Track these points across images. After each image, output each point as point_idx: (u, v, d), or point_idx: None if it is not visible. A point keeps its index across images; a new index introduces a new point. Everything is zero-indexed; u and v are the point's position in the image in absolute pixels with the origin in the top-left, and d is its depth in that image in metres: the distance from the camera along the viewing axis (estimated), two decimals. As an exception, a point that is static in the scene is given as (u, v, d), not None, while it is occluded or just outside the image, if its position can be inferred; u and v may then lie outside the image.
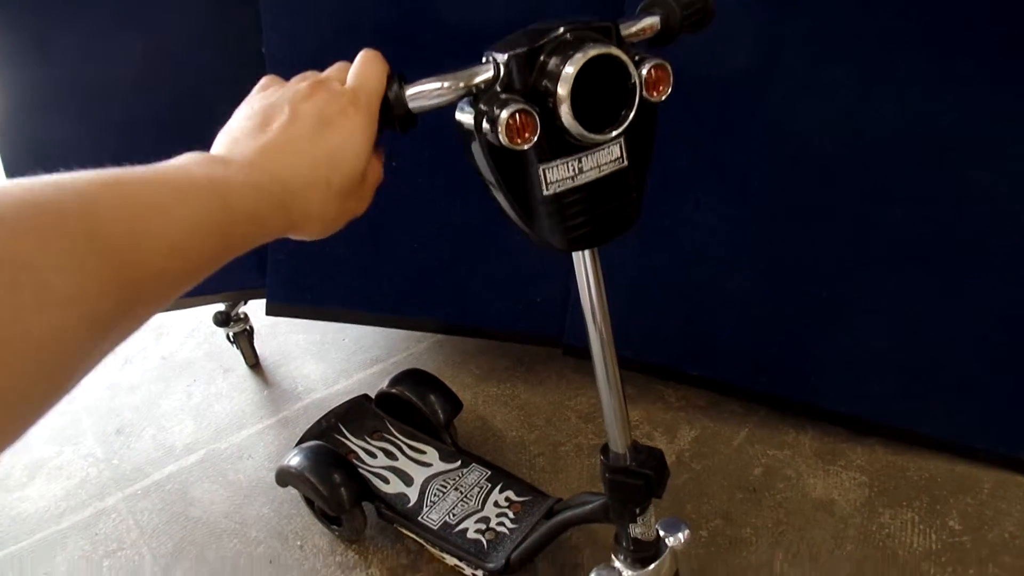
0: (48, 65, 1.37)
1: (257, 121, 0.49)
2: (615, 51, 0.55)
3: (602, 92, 0.58)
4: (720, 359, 1.55)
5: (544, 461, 1.53)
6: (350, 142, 0.50)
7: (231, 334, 1.78)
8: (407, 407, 1.47)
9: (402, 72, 0.57)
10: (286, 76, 0.55)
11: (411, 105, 0.55)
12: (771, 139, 1.34)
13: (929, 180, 1.28)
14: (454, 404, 1.46)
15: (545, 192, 0.60)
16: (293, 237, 0.50)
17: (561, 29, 0.57)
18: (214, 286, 1.64)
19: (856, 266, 1.38)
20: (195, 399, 1.77)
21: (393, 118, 0.55)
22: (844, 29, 1.23)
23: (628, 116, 0.58)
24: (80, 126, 1.40)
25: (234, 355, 1.86)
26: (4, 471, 1.62)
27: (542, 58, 0.56)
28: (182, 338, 1.98)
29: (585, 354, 1.61)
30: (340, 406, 1.53)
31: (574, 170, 0.61)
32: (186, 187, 0.39)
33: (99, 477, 1.58)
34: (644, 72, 0.58)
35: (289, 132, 0.48)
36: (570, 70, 0.54)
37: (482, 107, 0.56)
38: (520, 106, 0.54)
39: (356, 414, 1.51)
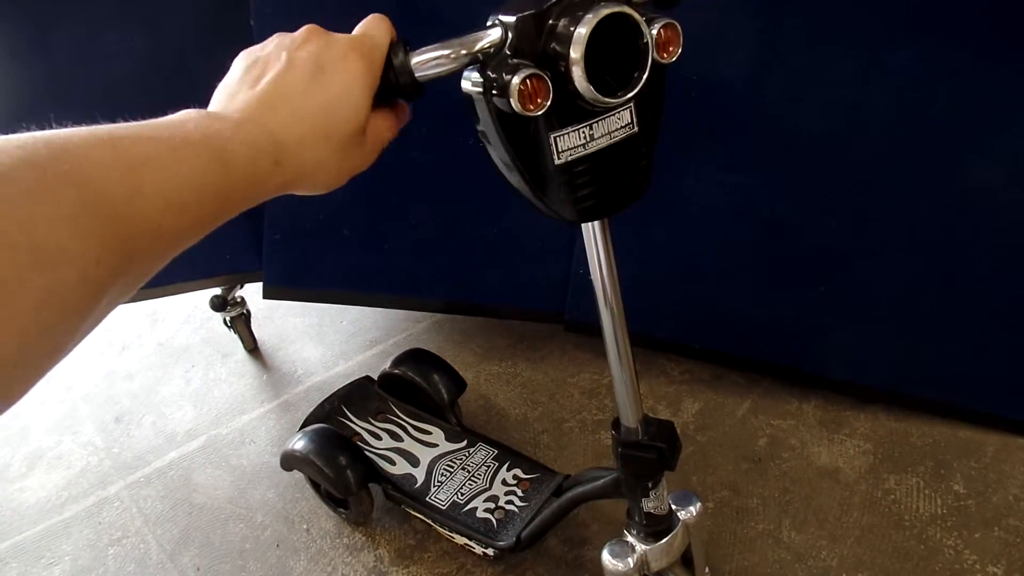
0: (48, 63, 1.34)
1: (253, 73, 0.48)
2: (627, 10, 0.53)
3: (611, 55, 0.56)
4: (722, 331, 1.54)
5: (548, 438, 1.53)
6: (348, 91, 0.48)
7: (228, 318, 1.76)
8: (410, 387, 1.46)
9: (406, 39, 0.55)
10: None
11: (416, 73, 0.53)
12: (774, 110, 1.32)
13: (941, 149, 1.26)
14: (458, 383, 1.45)
15: (557, 161, 0.59)
16: (296, 193, 0.49)
17: None
18: (210, 270, 1.62)
19: (857, 234, 1.37)
20: (194, 385, 1.76)
21: (399, 87, 0.53)
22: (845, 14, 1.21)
23: (641, 78, 0.56)
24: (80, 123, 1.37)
25: (232, 340, 1.84)
26: (3, 462, 1.60)
27: (551, 20, 0.54)
28: (178, 324, 1.96)
29: (587, 330, 1.61)
30: (343, 388, 1.51)
31: (585, 137, 0.59)
32: (179, 143, 0.38)
33: (100, 466, 1.56)
34: (654, 32, 0.56)
35: (283, 82, 0.46)
36: (582, 31, 0.52)
37: (491, 73, 0.54)
38: (532, 71, 0.52)
39: (359, 396, 1.49)
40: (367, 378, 1.54)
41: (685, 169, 1.38)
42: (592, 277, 0.76)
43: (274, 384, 1.74)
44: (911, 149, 1.28)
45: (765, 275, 1.46)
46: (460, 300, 1.63)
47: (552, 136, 0.58)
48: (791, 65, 1.28)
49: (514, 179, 0.62)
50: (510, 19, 0.54)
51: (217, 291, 1.69)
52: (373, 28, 0.52)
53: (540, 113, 0.54)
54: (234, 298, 1.72)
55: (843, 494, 1.35)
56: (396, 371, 1.47)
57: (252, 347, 1.83)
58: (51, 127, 0.33)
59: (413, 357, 1.49)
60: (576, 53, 0.53)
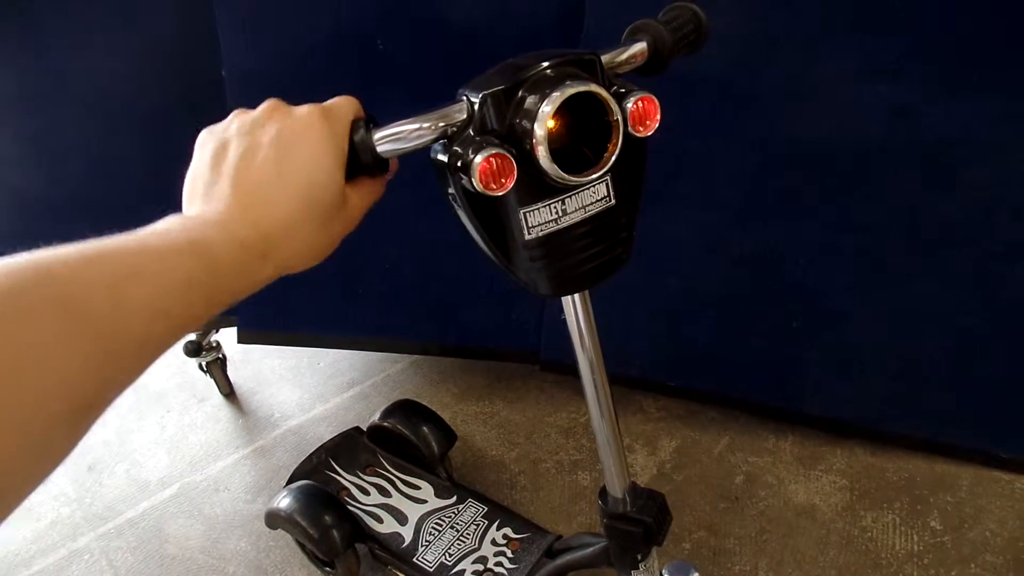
0: (41, 65, 1.33)
1: (221, 163, 0.47)
2: (594, 88, 0.52)
3: (590, 128, 0.55)
4: (697, 368, 1.55)
5: (525, 480, 1.51)
6: (319, 161, 0.47)
7: (204, 363, 1.75)
8: (400, 440, 1.42)
9: (372, 115, 0.54)
10: (251, 97, 0.53)
11: (380, 149, 0.52)
12: (743, 145, 1.34)
13: (906, 183, 1.28)
14: (448, 436, 1.40)
15: (527, 236, 0.57)
16: (291, 274, 0.49)
17: (541, 65, 0.54)
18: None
19: (828, 269, 1.39)
20: (169, 431, 1.74)
21: (361, 164, 0.52)
22: (828, 28, 1.22)
23: (611, 156, 0.55)
24: (74, 123, 1.38)
25: (208, 384, 1.83)
26: (-28, 516, 1.57)
27: (519, 96, 0.53)
28: (153, 369, 1.94)
29: (563, 369, 1.60)
30: (331, 440, 1.47)
31: (557, 212, 0.57)
32: (165, 251, 0.38)
33: (71, 517, 1.54)
34: (629, 106, 0.55)
35: (254, 170, 0.46)
36: (547, 109, 0.51)
37: (456, 150, 0.53)
38: (495, 150, 0.51)
39: (348, 448, 1.46)
40: (356, 429, 1.51)
41: (652, 208, 1.39)
42: (573, 346, 0.73)
43: (250, 429, 1.72)
44: (880, 183, 1.29)
45: (737, 312, 1.47)
46: (435, 342, 1.63)
47: (522, 211, 0.56)
48: (758, 103, 1.29)
49: (485, 253, 0.60)
50: (476, 96, 0.53)
51: (192, 336, 1.68)
52: (338, 101, 0.53)
53: (501, 193, 0.52)
54: (209, 343, 1.71)
55: (820, 532, 1.35)
56: (384, 423, 1.43)
57: (228, 391, 1.81)
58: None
59: (402, 409, 1.45)
60: (540, 131, 0.51)
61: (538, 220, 0.57)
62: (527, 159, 0.53)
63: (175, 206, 0.47)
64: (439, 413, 1.46)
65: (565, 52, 0.57)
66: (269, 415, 1.76)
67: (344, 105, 0.53)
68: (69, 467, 1.66)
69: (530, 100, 0.53)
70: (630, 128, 0.56)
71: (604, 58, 0.59)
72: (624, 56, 0.61)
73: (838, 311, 1.42)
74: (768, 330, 1.46)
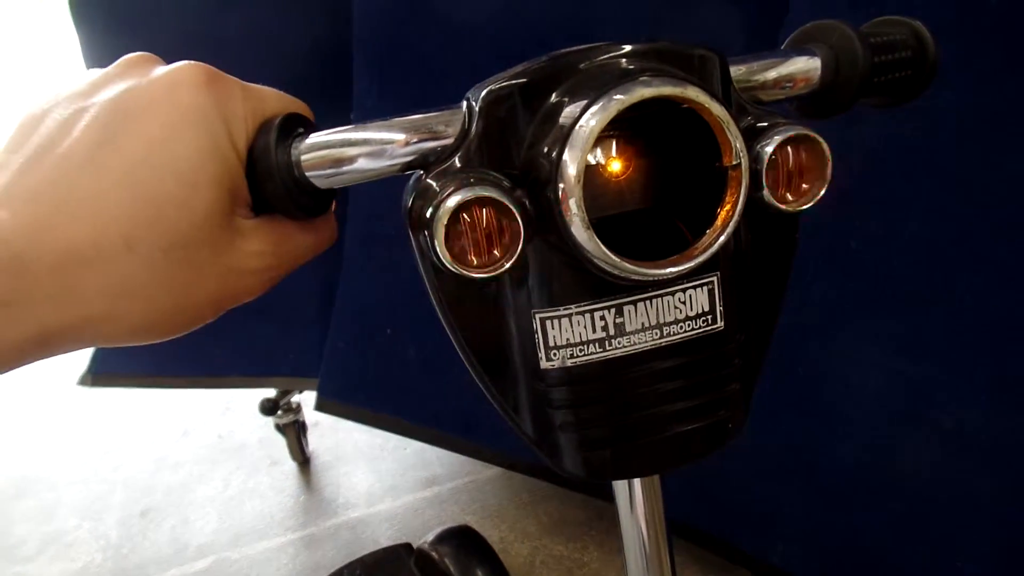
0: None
1: (25, 143, 0.27)
2: (692, 92, 0.27)
3: (697, 186, 0.30)
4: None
5: (600, 668, 1.14)
6: (173, 148, 0.26)
7: (280, 424, 1.60)
8: None
9: (309, 119, 0.31)
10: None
11: (309, 174, 0.29)
12: (986, 262, 0.93)
13: None
14: None
15: (544, 363, 0.31)
16: (96, 345, 0.27)
17: (605, 51, 0.29)
18: (270, 368, 1.48)
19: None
20: (230, 491, 1.59)
21: (268, 189, 0.29)
22: None
23: (719, 235, 0.29)
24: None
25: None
26: (20, 537, 1.50)
27: (551, 100, 0.28)
28: (246, 418, 1.83)
29: (689, 534, 1.21)
30: (372, 555, 1.23)
31: (605, 328, 0.31)
32: None
33: (101, 567, 1.41)
34: (770, 149, 0.29)
35: (64, 147, 0.26)
36: (592, 124, 0.26)
37: (429, 185, 0.29)
38: (485, 191, 0.27)
39: (388, 570, 1.21)
40: (405, 547, 1.26)
41: (821, 338, 1.02)
42: (624, 554, 0.44)
43: (309, 509, 1.52)
44: None
45: (951, 508, 1.02)
46: (522, 458, 1.33)
47: (538, 316, 0.31)
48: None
49: (468, 370, 0.35)
50: (479, 95, 0.29)
51: (270, 393, 1.54)
52: (261, 87, 0.30)
53: (491, 274, 0.28)
54: (288, 403, 1.56)
55: None
56: (433, 552, 1.17)
57: (301, 460, 1.64)
58: None
59: (457, 538, 1.18)
60: (573, 167, 0.26)
61: (567, 337, 0.30)
62: (547, 218, 0.28)
63: None
64: (517, 545, 1.16)
65: (661, 39, 0.30)
66: (333, 498, 1.55)
67: (264, 88, 0.30)
68: (125, 508, 1.55)
69: (569, 110, 0.27)
70: (767, 192, 0.29)
71: (737, 68, 0.32)
72: (776, 73, 0.33)
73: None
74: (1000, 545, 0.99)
